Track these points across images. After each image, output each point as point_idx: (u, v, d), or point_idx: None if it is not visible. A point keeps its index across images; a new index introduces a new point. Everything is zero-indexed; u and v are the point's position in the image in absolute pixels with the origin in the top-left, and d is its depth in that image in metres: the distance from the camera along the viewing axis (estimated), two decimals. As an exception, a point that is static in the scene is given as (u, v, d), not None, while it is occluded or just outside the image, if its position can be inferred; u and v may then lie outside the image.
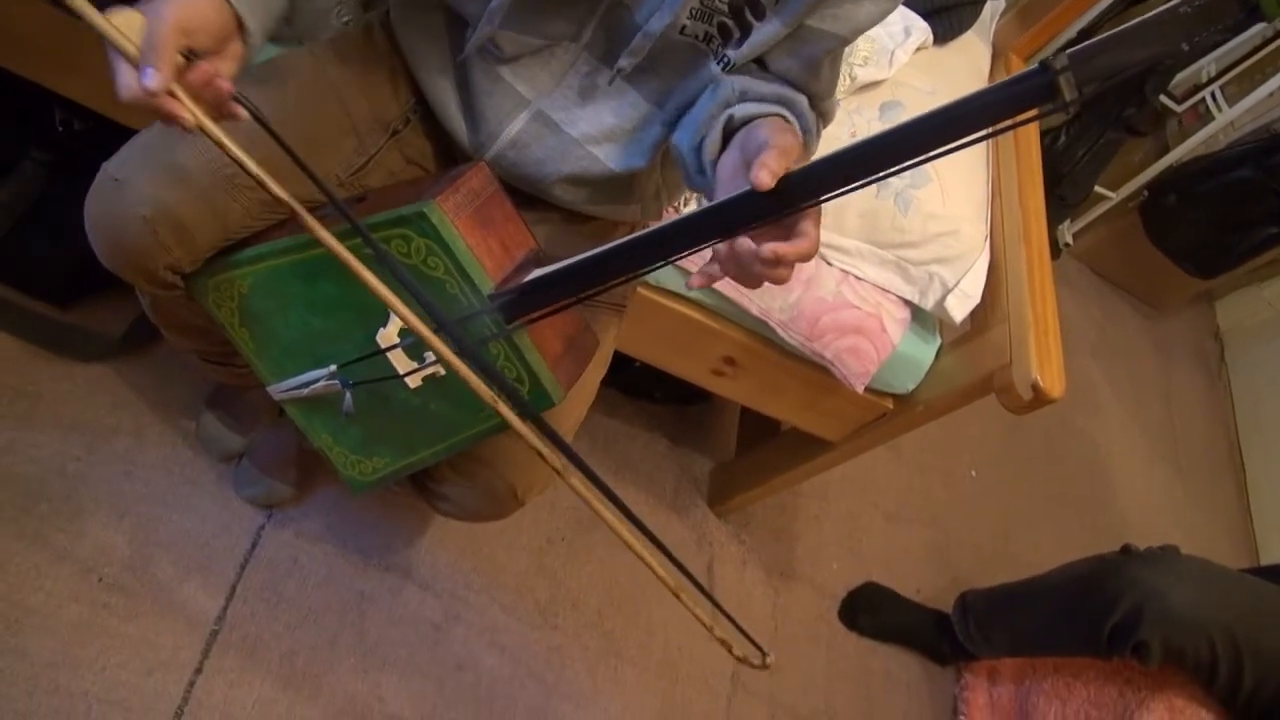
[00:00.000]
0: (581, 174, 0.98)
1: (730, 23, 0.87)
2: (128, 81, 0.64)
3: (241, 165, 0.65)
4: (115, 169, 0.88)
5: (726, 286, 1.29)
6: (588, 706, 1.50)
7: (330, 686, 1.32)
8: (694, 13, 0.86)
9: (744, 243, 0.69)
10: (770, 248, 0.67)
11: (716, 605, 0.71)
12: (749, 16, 0.86)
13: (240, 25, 0.72)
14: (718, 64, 0.90)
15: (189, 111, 0.65)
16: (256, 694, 1.27)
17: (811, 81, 0.92)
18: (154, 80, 0.63)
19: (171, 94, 0.64)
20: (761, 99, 0.87)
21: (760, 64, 0.92)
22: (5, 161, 1.34)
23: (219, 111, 0.69)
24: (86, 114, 1.26)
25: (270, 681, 1.29)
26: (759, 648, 0.73)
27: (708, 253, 0.72)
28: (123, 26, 0.63)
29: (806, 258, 0.69)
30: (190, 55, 0.66)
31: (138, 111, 0.64)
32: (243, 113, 0.70)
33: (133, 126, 1.03)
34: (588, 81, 0.94)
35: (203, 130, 0.64)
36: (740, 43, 0.88)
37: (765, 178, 0.65)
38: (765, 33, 0.87)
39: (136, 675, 1.21)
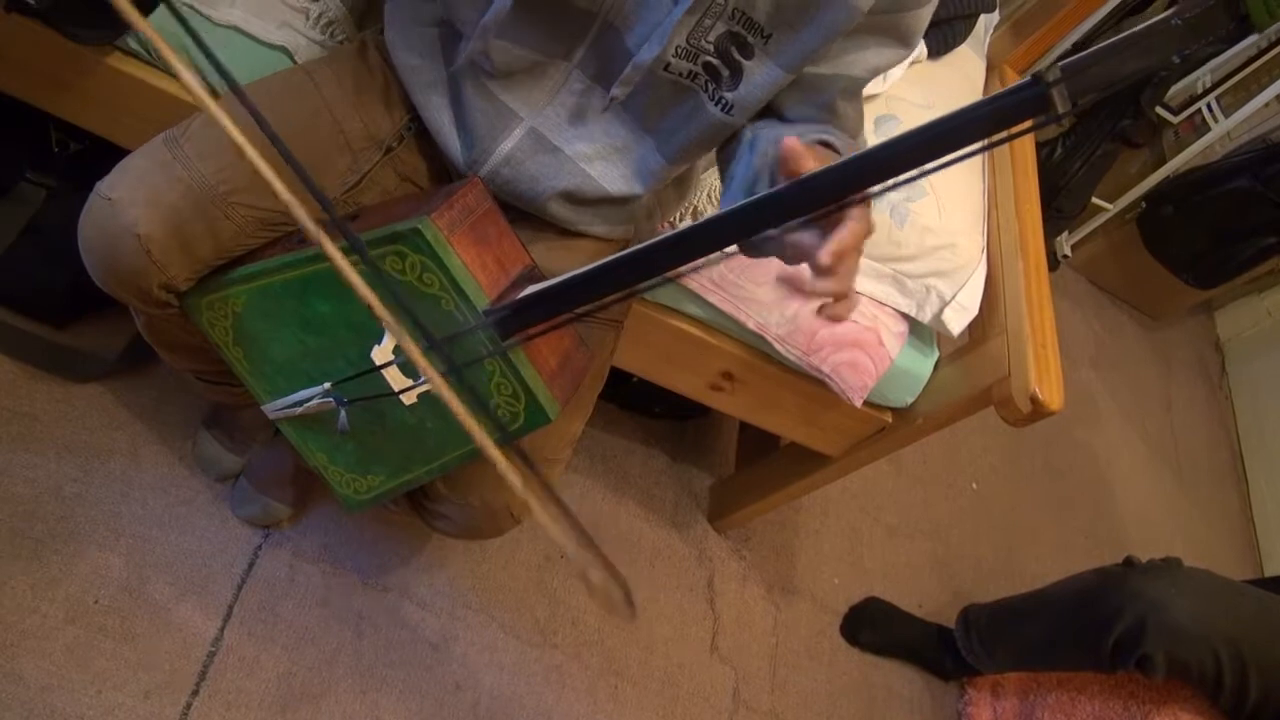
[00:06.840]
0: (575, 190, 0.98)
1: (717, 63, 0.87)
2: None
3: (247, 155, 0.63)
4: (107, 189, 0.88)
5: (723, 300, 1.29)
6: (588, 725, 1.49)
7: (328, 708, 1.31)
8: (679, 51, 0.86)
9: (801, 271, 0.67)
10: (824, 251, 0.65)
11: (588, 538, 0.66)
12: (736, 56, 0.86)
13: None
14: (715, 105, 0.90)
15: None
16: (254, 716, 1.26)
17: (835, 123, 0.91)
18: None
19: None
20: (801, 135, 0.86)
21: (780, 119, 0.92)
22: (2, 183, 1.34)
23: None
24: (83, 135, 1.26)
25: (267, 703, 1.28)
26: (627, 594, 0.68)
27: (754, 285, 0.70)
28: None
29: (849, 246, 0.66)
30: None
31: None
32: None
33: (128, 147, 1.03)
34: (581, 100, 0.94)
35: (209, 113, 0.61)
36: (734, 83, 0.88)
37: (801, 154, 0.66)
38: (764, 75, 0.87)
39: (133, 698, 1.21)
